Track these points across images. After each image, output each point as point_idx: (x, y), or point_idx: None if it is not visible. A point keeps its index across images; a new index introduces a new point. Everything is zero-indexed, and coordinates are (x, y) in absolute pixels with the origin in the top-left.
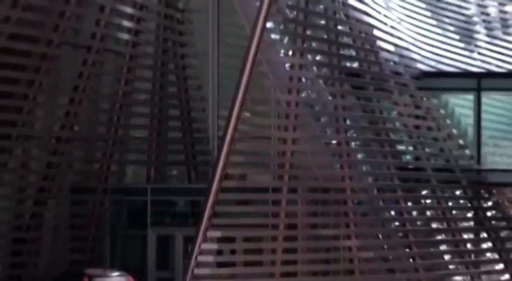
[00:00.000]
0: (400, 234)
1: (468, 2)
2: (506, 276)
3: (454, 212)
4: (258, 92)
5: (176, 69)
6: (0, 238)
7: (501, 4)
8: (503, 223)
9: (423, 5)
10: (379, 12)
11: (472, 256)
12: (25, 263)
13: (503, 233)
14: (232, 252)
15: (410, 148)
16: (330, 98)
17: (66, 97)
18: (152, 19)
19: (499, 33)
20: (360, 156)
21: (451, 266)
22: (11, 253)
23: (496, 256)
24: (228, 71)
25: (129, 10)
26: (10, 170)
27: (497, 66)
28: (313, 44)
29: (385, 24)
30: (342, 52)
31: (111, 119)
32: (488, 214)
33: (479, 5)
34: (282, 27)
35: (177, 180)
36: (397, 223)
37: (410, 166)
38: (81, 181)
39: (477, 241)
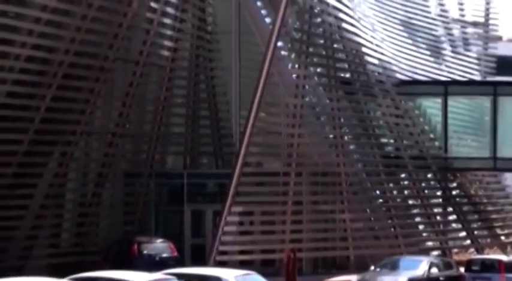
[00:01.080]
0: (384, 209)
1: (436, 25)
2: (468, 241)
3: (426, 191)
4: (270, 97)
5: (206, 79)
6: (68, 212)
7: (463, 27)
8: (465, 200)
9: (401, 28)
10: (366, 34)
11: (441, 226)
12: (88, 233)
13: (465, 208)
14: (251, 223)
15: (392, 141)
16: (327, 101)
17: (119, 101)
18: (187, 39)
19: (461, 50)
20: (351, 147)
21: (424, 234)
22: (76, 224)
23: (460, 226)
24: (247, 80)
25: (168, 32)
26: (76, 159)
27: (460, 75)
28: (314, 59)
29: (371, 43)
30: (337, 65)
31: (155, 118)
32: (453, 192)
33: (445, 27)
34: (289, 45)
35: (207, 166)
36: (381, 200)
37: (391, 155)
38: (131, 167)
39: (444, 214)
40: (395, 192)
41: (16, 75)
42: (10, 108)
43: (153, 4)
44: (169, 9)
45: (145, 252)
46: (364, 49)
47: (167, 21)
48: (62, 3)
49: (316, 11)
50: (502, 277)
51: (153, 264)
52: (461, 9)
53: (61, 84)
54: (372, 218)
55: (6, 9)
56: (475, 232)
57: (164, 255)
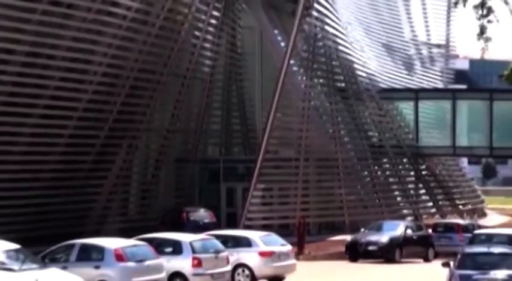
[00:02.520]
0: (370, 185)
1: (409, 46)
2: (434, 209)
3: (402, 171)
4: (285, 101)
5: (236, 88)
6: (133, 189)
7: (429, 47)
8: (432, 178)
9: (383, 49)
10: (356, 53)
11: (414, 198)
12: (149, 204)
13: (432, 184)
14: (271, 197)
15: (376, 134)
16: (328, 104)
17: (172, 105)
18: (222, 59)
19: (428, 65)
20: (346, 139)
21: (401, 204)
22: (140, 198)
23: (428, 198)
24: (267, 89)
25: (208, 54)
26: (139, 149)
27: (427, 84)
28: (318, 73)
29: (360, 60)
30: (334, 77)
31: (198, 118)
32: (423, 173)
33: (416, 48)
34: (299, 63)
35: (237, 154)
36: (368, 179)
37: (376, 144)
38: (181, 155)
39: (416, 189)
40: (379, 173)
41: (94, 86)
42: (91, 112)
43: (196, 33)
44: (209, 37)
45: (191, 219)
46: (355, 65)
47: (207, 45)
48: (129, 32)
49: (318, 37)
50: (460, 236)
51: (197, 228)
52: (428, 35)
53: (128, 93)
54: (362, 192)
55: (86, 37)
56: (440, 202)
57: (206, 221)
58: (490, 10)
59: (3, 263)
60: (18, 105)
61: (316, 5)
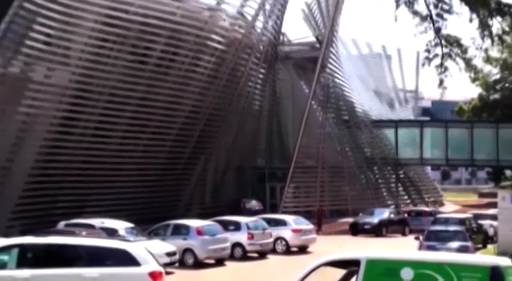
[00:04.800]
0: (366, 184)
1: (390, 91)
2: (408, 201)
3: (387, 175)
4: (308, 128)
5: (276, 119)
6: (208, 187)
7: (404, 92)
8: (407, 180)
9: (372, 93)
10: (355, 96)
11: (395, 193)
12: (218, 197)
13: (407, 184)
14: (299, 192)
15: (369, 150)
16: (337, 130)
17: (233, 131)
18: (266, 100)
19: (404, 104)
20: (349, 153)
21: (386, 197)
22: (212, 192)
23: (404, 193)
24: (296, 120)
25: (257, 97)
26: (212, 160)
27: (403, 117)
28: (330, 109)
29: (358, 101)
30: (341, 112)
31: (251, 139)
32: (401, 176)
33: (395, 93)
34: (317, 103)
35: (276, 163)
36: (364, 180)
37: (369, 157)
38: (240, 164)
39: (396, 187)
40: (371, 176)
41: (183, 119)
42: (181, 136)
43: (250, 83)
44: (258, 86)
45: (247, 207)
46: (354, 104)
47: (257, 91)
48: (206, 83)
49: (330, 85)
50: (426, 219)
51: (251, 213)
52: (403, 83)
53: (205, 123)
54: (360, 189)
55: (178, 87)
56: (412, 196)
57: (256, 208)
58: (446, 69)
59: (123, 236)
60: (133, 130)
61: (328, 65)
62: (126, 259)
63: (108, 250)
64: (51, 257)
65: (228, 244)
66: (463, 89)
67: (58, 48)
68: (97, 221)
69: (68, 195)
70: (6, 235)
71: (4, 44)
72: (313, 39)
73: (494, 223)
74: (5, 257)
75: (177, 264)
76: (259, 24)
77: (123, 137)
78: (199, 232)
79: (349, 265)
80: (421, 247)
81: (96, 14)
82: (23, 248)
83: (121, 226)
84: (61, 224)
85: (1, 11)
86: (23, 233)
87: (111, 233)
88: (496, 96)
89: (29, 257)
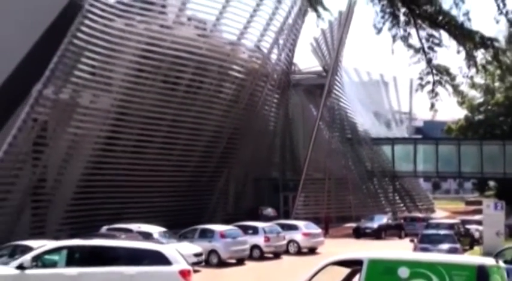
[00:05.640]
0: (367, 194)
1: (387, 112)
2: (404, 208)
3: (385, 186)
4: (317, 145)
5: (289, 137)
6: (230, 196)
7: (400, 113)
8: (402, 189)
9: (372, 114)
10: (357, 117)
11: (392, 201)
12: (239, 205)
13: (402, 193)
14: (309, 201)
15: (370, 164)
16: (341, 147)
17: (251, 148)
18: (280, 121)
19: (399, 124)
20: (352, 167)
21: (385, 205)
22: (233, 201)
23: (400, 201)
24: (306, 138)
25: (272, 118)
26: (233, 174)
27: (399, 136)
28: (335, 129)
29: (359, 121)
30: (345, 131)
31: (267, 154)
32: (397, 186)
33: (392, 113)
34: (324, 123)
35: (289, 175)
36: (365, 191)
37: (370, 170)
38: (257, 176)
39: (393, 196)
40: (371, 187)
41: (208, 138)
42: (206, 152)
43: (266, 107)
44: (273, 109)
45: (264, 213)
46: (356, 124)
47: (272, 114)
48: (227, 107)
49: (336, 108)
50: (420, 224)
51: (267, 218)
52: (399, 106)
53: (228, 141)
54: (362, 198)
55: (204, 110)
56: (407, 204)
57: (271, 215)
58: (436, 94)
59: (157, 239)
60: (165, 148)
61: (334, 91)
62: (160, 259)
63: (144, 251)
64: (95, 257)
65: (247, 246)
66: (451, 111)
67: (102, 77)
68: (134, 226)
69: (109, 203)
70: (57, 238)
71: (56, 74)
72: (320, 68)
73: (480, 227)
74: (56, 257)
75: (203, 263)
76: (273, 56)
77: (157, 153)
78: (223, 236)
79: (353, 265)
80: (415, 249)
81: (134, 48)
82: (71, 249)
83: (155, 230)
84: (104, 229)
85: (54, 46)
86: (71, 236)
87: (147, 236)
88: (480, 117)
89: (76, 257)
